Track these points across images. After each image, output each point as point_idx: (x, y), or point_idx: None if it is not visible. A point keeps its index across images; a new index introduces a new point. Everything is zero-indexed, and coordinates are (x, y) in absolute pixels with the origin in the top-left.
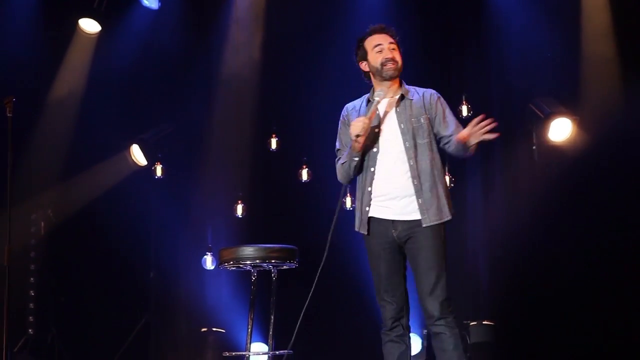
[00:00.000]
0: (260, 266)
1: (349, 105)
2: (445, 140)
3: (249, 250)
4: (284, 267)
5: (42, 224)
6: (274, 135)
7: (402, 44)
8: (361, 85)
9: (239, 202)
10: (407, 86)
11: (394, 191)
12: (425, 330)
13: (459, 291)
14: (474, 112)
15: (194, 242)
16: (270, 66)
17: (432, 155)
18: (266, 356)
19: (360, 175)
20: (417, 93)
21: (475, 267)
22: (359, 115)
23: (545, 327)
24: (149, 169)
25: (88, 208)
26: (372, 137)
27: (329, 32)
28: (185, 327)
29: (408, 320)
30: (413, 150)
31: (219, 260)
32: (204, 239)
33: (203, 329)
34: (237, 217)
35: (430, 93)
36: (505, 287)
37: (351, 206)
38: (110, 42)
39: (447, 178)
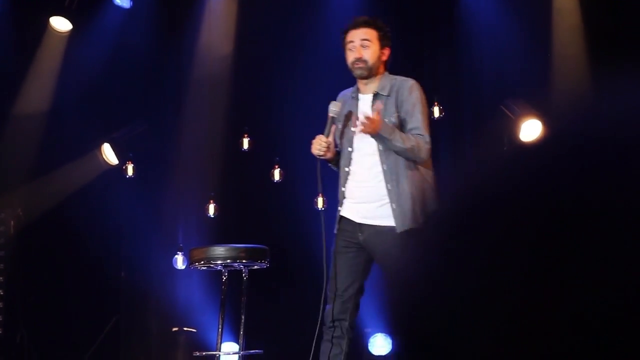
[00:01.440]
0: (231, 266)
1: (341, 94)
2: None
3: (219, 250)
4: (255, 267)
5: (12, 222)
6: (245, 135)
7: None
8: (335, 85)
9: (211, 201)
10: (387, 79)
11: (364, 194)
12: None
13: None
14: (446, 113)
15: (165, 241)
16: (242, 65)
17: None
18: (237, 356)
19: (339, 172)
20: (393, 88)
21: None
22: (343, 106)
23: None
24: (120, 168)
25: (58, 207)
26: (349, 136)
27: (301, 32)
28: (156, 327)
29: (351, 324)
30: (385, 153)
31: (189, 260)
32: (175, 239)
33: (174, 329)
34: (209, 217)
35: (407, 86)
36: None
37: (323, 206)
38: (82, 41)
39: (431, 180)
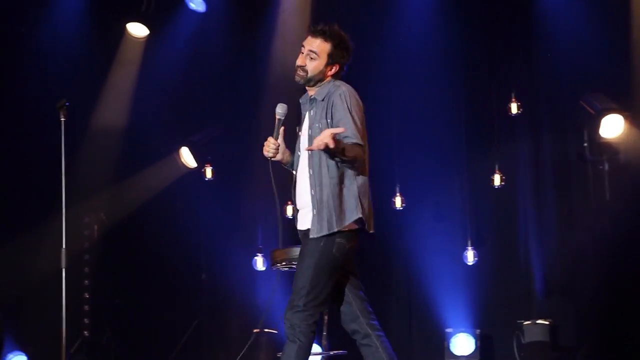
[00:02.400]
0: None
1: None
2: None
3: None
4: None
5: (95, 227)
6: None
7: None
8: (410, 83)
9: (289, 202)
10: (328, 86)
11: (299, 200)
12: (479, 330)
13: (513, 291)
14: (524, 110)
15: (244, 243)
16: None
17: (329, 163)
18: (320, 356)
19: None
20: (328, 94)
21: (527, 266)
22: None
23: (601, 326)
24: (198, 171)
25: (139, 210)
26: (299, 139)
27: (376, 31)
28: (238, 329)
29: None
30: (311, 159)
31: (271, 261)
32: (254, 240)
33: (255, 330)
34: (287, 218)
35: (338, 93)
36: (559, 286)
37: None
38: (158, 46)
39: (355, 187)
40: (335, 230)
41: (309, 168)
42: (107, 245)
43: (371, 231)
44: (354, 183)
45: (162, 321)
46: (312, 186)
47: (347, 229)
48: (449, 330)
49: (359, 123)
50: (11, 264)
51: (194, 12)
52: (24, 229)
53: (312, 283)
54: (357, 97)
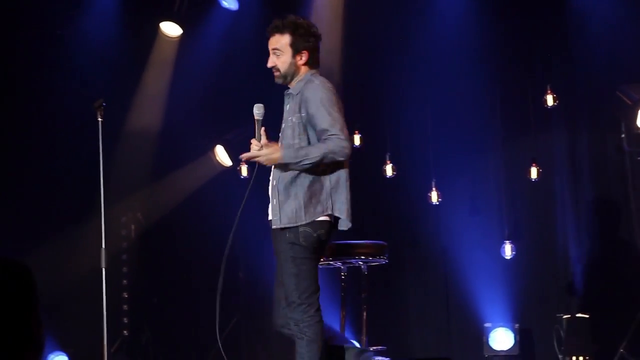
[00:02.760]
0: (350, 263)
1: None
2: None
3: (339, 247)
4: (374, 263)
5: (133, 227)
6: (357, 132)
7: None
8: (444, 79)
9: None
10: (304, 79)
11: (269, 190)
12: (517, 325)
13: (552, 285)
14: (560, 101)
15: None
16: (350, 62)
17: None
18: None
19: None
20: (302, 88)
21: (566, 260)
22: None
23: None
24: (234, 170)
25: (176, 210)
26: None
27: (409, 26)
28: None
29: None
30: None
31: None
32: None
33: None
34: None
35: (311, 86)
36: (598, 280)
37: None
38: (192, 45)
39: (328, 182)
40: (301, 223)
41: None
42: (145, 245)
43: (345, 227)
44: (326, 177)
45: (200, 320)
46: (273, 177)
47: (311, 220)
48: (487, 324)
49: (334, 113)
50: (51, 265)
51: (226, 10)
52: (62, 229)
53: (296, 277)
54: (330, 87)
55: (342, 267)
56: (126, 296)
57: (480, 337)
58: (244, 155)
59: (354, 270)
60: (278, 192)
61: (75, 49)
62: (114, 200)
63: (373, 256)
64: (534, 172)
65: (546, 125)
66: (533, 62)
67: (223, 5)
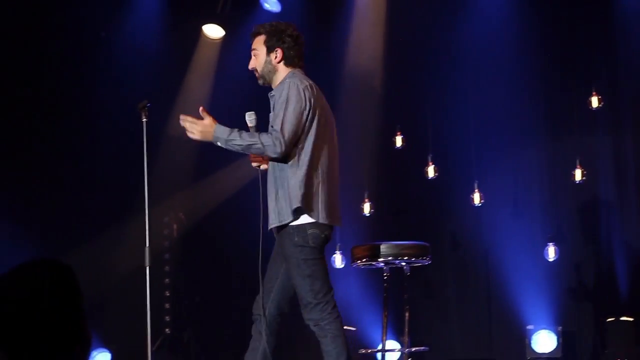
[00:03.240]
0: (393, 263)
1: None
2: None
3: (382, 248)
4: (417, 264)
5: (175, 226)
6: (399, 133)
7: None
8: (483, 80)
9: (366, 200)
10: (285, 81)
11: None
12: (560, 327)
13: (595, 287)
14: (605, 103)
15: None
16: (393, 62)
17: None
18: (399, 353)
19: None
20: (280, 90)
21: (610, 262)
22: None
23: None
24: None
25: (217, 210)
26: None
27: (451, 28)
28: None
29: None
30: None
31: (351, 258)
32: (332, 238)
33: None
34: (364, 216)
35: (282, 87)
36: None
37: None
38: (234, 47)
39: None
40: (287, 222)
41: (269, 161)
42: (187, 244)
43: (323, 221)
44: (296, 174)
45: (242, 318)
46: (268, 180)
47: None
48: (530, 327)
49: (288, 114)
50: (95, 263)
51: (268, 12)
52: (105, 229)
53: (310, 277)
54: (304, 85)
55: (385, 268)
56: (168, 295)
57: (522, 340)
58: (182, 117)
59: (397, 271)
60: (273, 192)
61: (118, 50)
62: (157, 200)
63: (416, 257)
64: (578, 174)
65: (590, 127)
66: (577, 63)
67: (265, 8)
